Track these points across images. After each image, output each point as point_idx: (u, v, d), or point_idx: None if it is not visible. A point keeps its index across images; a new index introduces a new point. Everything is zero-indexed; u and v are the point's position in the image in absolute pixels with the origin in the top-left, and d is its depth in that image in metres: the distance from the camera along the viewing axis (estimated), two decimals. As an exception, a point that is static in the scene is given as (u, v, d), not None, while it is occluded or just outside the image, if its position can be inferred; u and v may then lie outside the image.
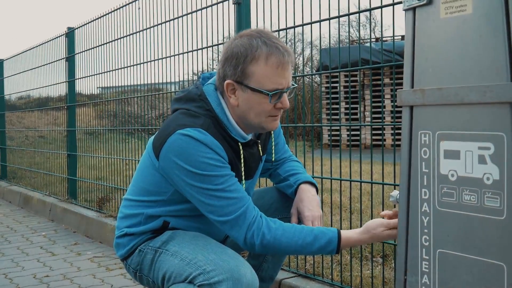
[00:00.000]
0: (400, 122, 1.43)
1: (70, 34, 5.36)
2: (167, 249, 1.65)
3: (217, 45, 3.36)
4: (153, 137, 1.77)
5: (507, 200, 1.18)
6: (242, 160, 1.69)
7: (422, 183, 1.35)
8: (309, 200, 1.80)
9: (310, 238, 1.57)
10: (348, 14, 2.43)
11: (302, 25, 2.58)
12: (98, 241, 4.10)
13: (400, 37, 11.45)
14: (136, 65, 4.21)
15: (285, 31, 2.68)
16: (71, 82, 5.37)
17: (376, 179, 2.34)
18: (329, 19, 2.47)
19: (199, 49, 3.45)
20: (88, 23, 4.96)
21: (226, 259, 1.52)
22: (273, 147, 1.87)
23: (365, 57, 7.62)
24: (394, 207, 1.62)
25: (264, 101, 1.61)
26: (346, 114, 10.93)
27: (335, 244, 1.57)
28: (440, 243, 1.32)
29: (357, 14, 2.45)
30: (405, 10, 1.38)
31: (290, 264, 2.59)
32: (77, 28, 5.22)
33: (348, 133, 10.45)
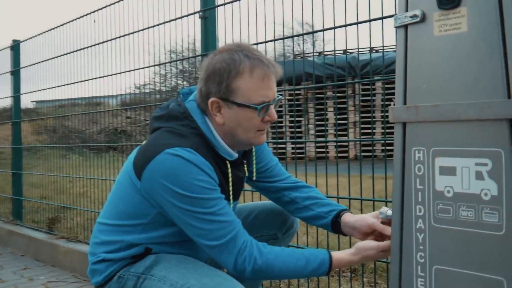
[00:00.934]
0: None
1: (15, 47, 5.13)
2: (152, 274, 1.56)
3: (164, 63, 3.37)
4: (131, 156, 1.69)
5: (506, 215, 1.19)
6: (230, 180, 1.64)
7: (416, 199, 1.35)
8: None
9: (303, 262, 1.53)
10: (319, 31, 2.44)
11: (265, 42, 2.57)
12: (50, 264, 3.89)
13: (342, 52, 11.72)
14: (84, 81, 4.11)
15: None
16: (16, 97, 5.14)
17: (364, 195, 2.30)
18: (293, 36, 2.48)
19: (146, 67, 3.45)
20: (35, 36, 4.77)
21: (221, 282, 1.46)
22: (254, 163, 1.82)
23: (308, 71, 7.73)
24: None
25: (252, 116, 1.58)
26: (290, 127, 11.02)
27: (326, 266, 1.54)
28: (437, 259, 1.32)
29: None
30: (397, 27, 1.38)
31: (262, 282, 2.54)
32: (23, 41, 5.01)
33: (293, 146, 10.55)
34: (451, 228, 1.28)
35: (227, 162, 1.64)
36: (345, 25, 2.23)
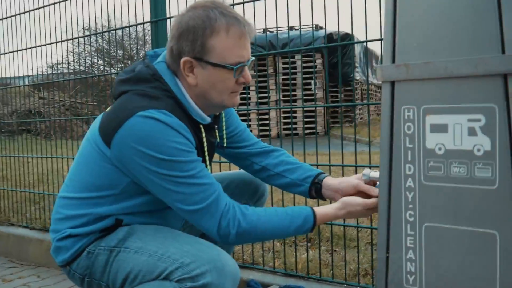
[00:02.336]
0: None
1: None
2: (126, 246, 1.46)
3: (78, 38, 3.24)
4: (94, 125, 1.56)
5: (499, 169, 1.21)
6: (205, 144, 1.56)
7: (406, 158, 1.35)
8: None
9: (287, 221, 1.49)
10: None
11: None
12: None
13: (262, 30, 11.77)
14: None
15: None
16: None
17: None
18: None
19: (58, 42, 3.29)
20: None
21: (203, 248, 1.39)
22: (224, 129, 1.75)
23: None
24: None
25: (227, 77, 1.50)
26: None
27: (311, 222, 1.51)
28: (427, 217, 1.33)
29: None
30: (385, -16, 1.36)
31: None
32: None
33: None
34: (442, 185, 1.29)
35: (201, 126, 1.56)
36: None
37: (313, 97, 8.80)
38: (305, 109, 11.48)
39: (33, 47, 3.64)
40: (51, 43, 3.51)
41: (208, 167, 1.59)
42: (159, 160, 1.40)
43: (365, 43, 2.18)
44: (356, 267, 2.27)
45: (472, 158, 1.25)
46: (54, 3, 3.30)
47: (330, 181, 1.70)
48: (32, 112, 8.92)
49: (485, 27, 1.21)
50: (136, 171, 1.44)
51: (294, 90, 11.00)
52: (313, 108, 10.51)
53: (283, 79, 11.43)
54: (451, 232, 1.29)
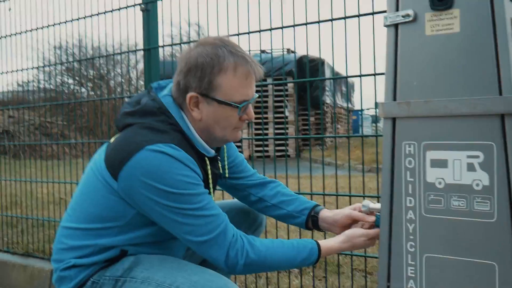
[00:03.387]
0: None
1: None
2: (132, 276, 1.47)
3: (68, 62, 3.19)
4: (99, 155, 1.57)
5: (497, 203, 1.28)
6: (210, 177, 1.59)
7: (406, 191, 1.41)
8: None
9: (293, 253, 1.53)
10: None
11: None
12: None
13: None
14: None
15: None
16: None
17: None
18: (238, 34, 2.46)
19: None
20: None
21: (212, 278, 1.41)
22: (226, 161, 1.78)
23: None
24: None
25: (231, 114, 1.54)
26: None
27: (316, 255, 1.55)
28: (427, 248, 1.38)
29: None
30: (387, 26, 1.43)
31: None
32: None
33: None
34: (443, 218, 1.36)
35: (206, 158, 1.59)
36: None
37: (283, 120, 8.93)
38: (276, 132, 11.61)
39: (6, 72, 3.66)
40: (27, 69, 3.53)
41: (213, 197, 1.61)
42: (168, 193, 1.42)
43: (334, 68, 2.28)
44: (347, 294, 2.32)
45: (471, 192, 1.32)
46: (28, 30, 3.32)
47: (326, 213, 1.75)
48: (1, 131, 8.74)
49: (483, 69, 1.29)
50: (144, 204, 1.45)
51: (265, 113, 11.10)
52: (284, 132, 10.64)
53: (256, 102, 11.52)
54: (451, 262, 1.35)
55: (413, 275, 1.41)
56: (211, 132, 1.56)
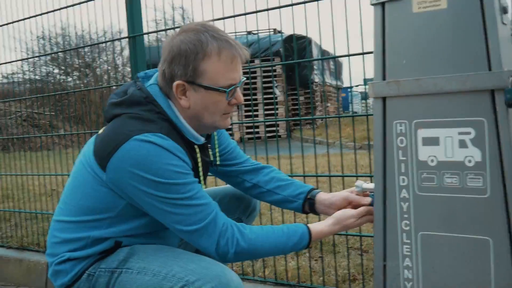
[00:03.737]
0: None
1: None
2: (128, 267, 1.46)
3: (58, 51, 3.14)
4: (88, 148, 1.55)
5: (490, 179, 1.29)
6: (200, 165, 1.58)
7: (399, 170, 1.41)
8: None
9: (284, 238, 1.52)
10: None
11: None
12: None
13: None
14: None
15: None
16: None
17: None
18: (224, 18, 2.44)
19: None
20: None
21: (208, 266, 1.41)
22: (217, 149, 1.77)
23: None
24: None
25: (219, 99, 1.52)
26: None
27: (307, 239, 1.55)
28: (422, 226, 1.39)
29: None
30: (373, 4, 1.42)
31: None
32: None
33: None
34: (436, 195, 1.36)
35: (195, 146, 1.58)
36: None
37: (273, 100, 8.87)
38: (266, 113, 11.57)
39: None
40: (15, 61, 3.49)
41: (204, 186, 1.61)
42: (157, 183, 1.41)
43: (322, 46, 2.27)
44: (344, 273, 2.33)
45: (463, 169, 1.32)
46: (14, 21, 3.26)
47: (323, 196, 1.74)
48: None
49: (471, 45, 1.28)
50: (133, 194, 1.44)
51: (254, 94, 11.06)
52: (274, 112, 10.63)
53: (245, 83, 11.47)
54: (446, 239, 1.35)
55: (409, 253, 1.41)
56: (201, 119, 1.55)
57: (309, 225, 1.59)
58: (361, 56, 2.10)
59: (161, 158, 1.42)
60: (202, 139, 1.61)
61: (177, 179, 1.43)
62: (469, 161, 1.31)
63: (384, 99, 1.42)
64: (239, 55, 1.53)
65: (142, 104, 1.51)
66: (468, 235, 1.33)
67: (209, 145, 1.69)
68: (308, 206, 1.76)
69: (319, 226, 1.59)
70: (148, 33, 2.52)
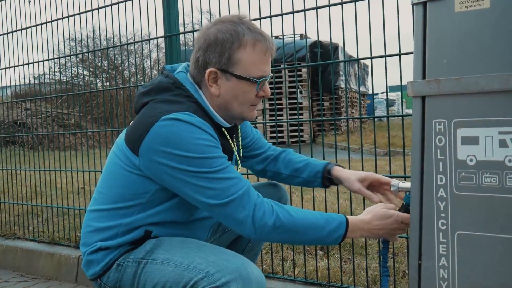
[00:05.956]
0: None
1: None
2: (153, 258, 1.50)
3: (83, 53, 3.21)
4: (120, 138, 1.60)
5: (530, 179, 1.28)
6: (231, 141, 1.63)
7: (437, 169, 1.41)
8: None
9: (322, 222, 1.50)
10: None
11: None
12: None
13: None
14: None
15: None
16: None
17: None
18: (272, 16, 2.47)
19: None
20: None
21: (229, 258, 1.42)
22: (240, 139, 1.82)
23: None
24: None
25: (250, 89, 1.56)
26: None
27: (343, 228, 1.52)
28: (459, 225, 1.39)
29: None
30: (414, 4, 1.42)
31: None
32: None
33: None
34: (474, 195, 1.36)
35: (223, 129, 1.62)
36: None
37: (297, 106, 8.88)
38: (289, 118, 11.57)
39: (22, 65, 3.71)
40: (43, 61, 3.57)
41: (239, 167, 1.66)
42: (188, 159, 1.43)
43: (349, 54, 2.29)
44: (374, 274, 2.33)
45: (503, 168, 1.32)
46: (44, 23, 3.34)
47: (338, 172, 1.84)
48: (18, 123, 8.84)
49: (514, 45, 1.28)
50: (166, 174, 1.46)
51: (279, 99, 11.08)
52: (298, 118, 10.64)
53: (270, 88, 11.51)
54: (484, 239, 1.35)
55: (445, 253, 1.41)
56: (229, 108, 1.59)
57: (348, 216, 1.58)
58: (384, 60, 2.13)
59: (190, 133, 1.45)
60: (228, 124, 1.65)
61: (207, 153, 1.45)
62: (509, 161, 1.31)
63: (423, 98, 1.42)
64: (271, 49, 1.58)
65: (170, 89, 1.56)
66: (506, 235, 1.32)
67: (234, 135, 1.72)
68: (328, 181, 1.85)
69: (356, 220, 1.58)
70: (184, 33, 2.56)
